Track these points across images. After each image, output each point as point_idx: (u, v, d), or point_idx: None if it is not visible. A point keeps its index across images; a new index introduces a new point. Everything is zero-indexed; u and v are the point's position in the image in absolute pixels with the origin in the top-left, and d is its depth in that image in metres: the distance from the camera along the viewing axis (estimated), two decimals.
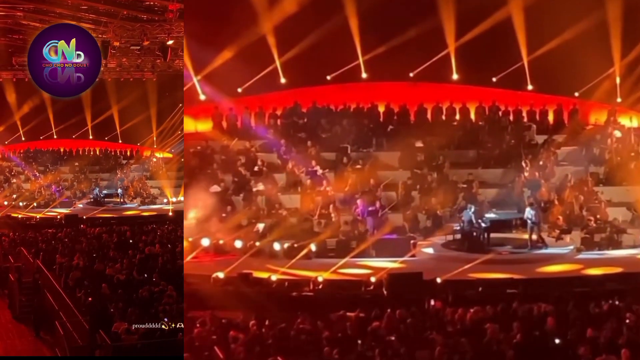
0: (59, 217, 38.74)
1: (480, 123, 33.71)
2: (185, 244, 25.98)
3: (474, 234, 25.29)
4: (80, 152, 51.78)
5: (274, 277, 22.03)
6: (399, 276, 21.66)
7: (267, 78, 33.94)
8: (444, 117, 33.93)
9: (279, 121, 34.14)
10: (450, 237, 26.17)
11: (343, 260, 23.80)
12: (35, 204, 42.34)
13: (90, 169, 49.07)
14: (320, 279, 21.57)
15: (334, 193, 28.70)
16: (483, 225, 25.24)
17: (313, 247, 24.97)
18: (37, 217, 39.07)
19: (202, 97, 34.04)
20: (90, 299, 20.85)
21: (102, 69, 43.00)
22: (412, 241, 25.42)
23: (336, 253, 25.24)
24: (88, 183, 46.51)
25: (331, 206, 27.62)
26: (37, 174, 47.17)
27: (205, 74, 33.22)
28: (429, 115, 34.13)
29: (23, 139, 50.45)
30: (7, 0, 34.43)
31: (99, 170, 49.23)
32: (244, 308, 19.06)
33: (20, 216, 39.34)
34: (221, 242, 25.78)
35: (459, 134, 32.45)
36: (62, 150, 52.02)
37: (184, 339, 16.55)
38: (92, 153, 52.10)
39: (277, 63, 33.70)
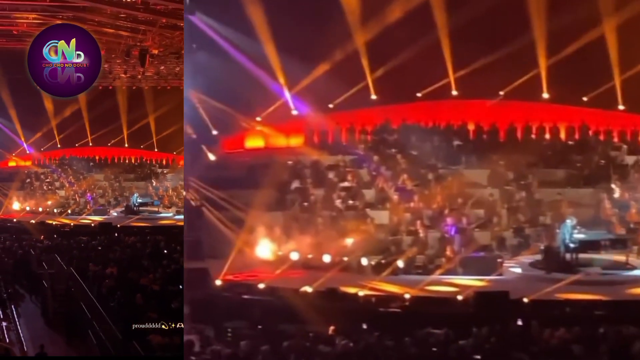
0: (93, 224, 38.86)
1: (570, 142, 33.42)
2: (271, 257, 26.41)
3: (561, 254, 25.07)
4: (116, 160, 51.89)
5: (361, 293, 22.09)
6: (485, 295, 21.58)
7: (358, 94, 34.24)
8: (533, 136, 33.76)
9: (369, 137, 34.36)
10: (538, 257, 25.97)
11: (430, 278, 23.90)
12: (69, 211, 42.76)
13: (125, 177, 49.24)
14: (407, 295, 21.59)
15: (422, 210, 28.70)
16: (571, 245, 25.00)
17: (400, 263, 25.04)
18: (72, 224, 39.05)
19: (294, 112, 34.49)
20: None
21: (139, 77, 44.88)
22: (499, 259, 25.30)
23: (423, 270, 25.27)
24: (122, 191, 46.79)
25: (419, 223, 27.60)
26: (72, 181, 47.57)
27: (298, 89, 33.66)
28: (518, 134, 33.97)
29: (59, 146, 51.03)
30: (47, 9, 35.09)
31: (134, 178, 49.33)
32: (332, 323, 19.24)
33: (54, 223, 39.37)
34: (310, 256, 26.02)
35: (549, 153, 32.24)
36: (97, 158, 52.17)
37: (184, 338, 16.72)
38: (127, 161, 52.24)
39: (369, 79, 33.98)
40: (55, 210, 43.22)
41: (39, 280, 27.18)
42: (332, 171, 31.72)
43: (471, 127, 34.54)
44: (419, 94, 34.92)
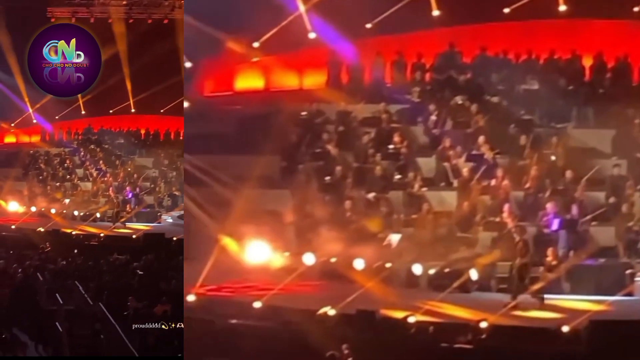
0: (135, 236, 38.52)
1: None
2: (272, 261, 26.32)
3: None
4: (172, 136, 51.60)
5: (412, 319, 21.98)
6: (606, 325, 21.47)
7: (410, 8, 34.02)
8: None
9: (427, 75, 34.33)
10: None
11: (520, 297, 23.84)
12: (98, 215, 42.76)
13: None
14: (484, 324, 21.52)
15: (509, 190, 28.62)
16: None
17: (474, 274, 25.06)
18: (101, 234, 38.59)
19: (312, 35, 34.38)
20: None
21: None
22: (628, 271, 25.21)
23: (510, 285, 25.14)
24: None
25: (505, 210, 27.54)
26: (103, 169, 47.46)
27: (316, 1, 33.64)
28: None
29: (83, 112, 51.27)
30: None
31: None
32: None
33: (74, 232, 38.99)
34: (333, 260, 26.08)
35: None
36: (142, 132, 52.39)
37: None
38: None
39: None
40: (75, 213, 43.26)
41: (50, 320, 27.08)
42: (369, 128, 31.69)
43: (588, 62, 34.23)
44: (506, 10, 34.71)
